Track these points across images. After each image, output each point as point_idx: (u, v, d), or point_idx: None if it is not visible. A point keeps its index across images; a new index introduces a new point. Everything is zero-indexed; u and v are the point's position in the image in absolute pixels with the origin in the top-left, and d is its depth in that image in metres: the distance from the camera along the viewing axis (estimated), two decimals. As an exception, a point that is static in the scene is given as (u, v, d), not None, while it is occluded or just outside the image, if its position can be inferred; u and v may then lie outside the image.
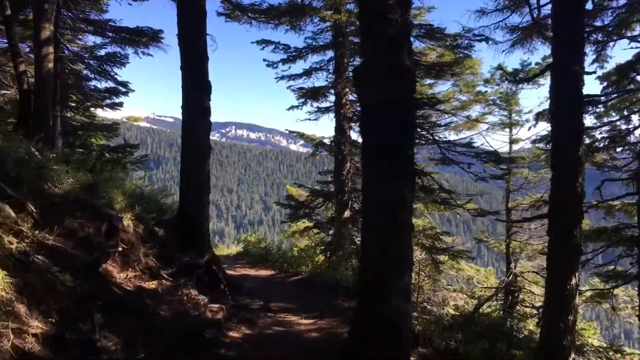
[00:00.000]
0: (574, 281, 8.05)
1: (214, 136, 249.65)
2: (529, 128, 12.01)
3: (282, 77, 14.95)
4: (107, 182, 8.06)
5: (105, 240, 7.06)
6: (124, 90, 13.70)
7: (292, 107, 15.38)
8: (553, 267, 8.41)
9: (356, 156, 14.48)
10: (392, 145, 5.24)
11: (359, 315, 5.81)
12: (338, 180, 14.53)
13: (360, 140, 15.21)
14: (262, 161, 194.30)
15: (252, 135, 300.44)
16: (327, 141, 15.40)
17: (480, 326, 9.10)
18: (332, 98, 14.91)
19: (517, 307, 14.28)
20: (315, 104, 15.30)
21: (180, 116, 9.49)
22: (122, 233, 7.72)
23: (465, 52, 11.64)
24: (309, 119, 15.47)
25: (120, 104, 13.97)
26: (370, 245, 5.47)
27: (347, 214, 14.42)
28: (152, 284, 7.41)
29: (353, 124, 14.49)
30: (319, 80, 15.20)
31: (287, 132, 16.93)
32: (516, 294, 13.99)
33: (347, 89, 14.28)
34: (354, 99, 14.83)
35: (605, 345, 12.45)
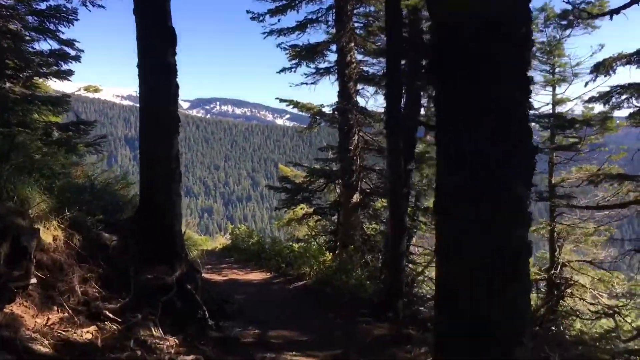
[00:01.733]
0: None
1: (199, 112, 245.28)
2: (586, 84, 9.34)
3: (271, 32, 12.14)
4: (18, 175, 5.36)
5: (8, 270, 4.47)
6: (72, 53, 10.70)
7: (283, 70, 12.62)
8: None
9: (366, 127, 11.82)
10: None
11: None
12: (344, 158, 11.85)
13: (370, 107, 12.54)
14: (248, 137, 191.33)
15: (238, 111, 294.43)
16: (327, 109, 12.63)
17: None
18: (333, 57, 12.18)
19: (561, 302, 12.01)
20: (312, 65, 12.53)
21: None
22: (41, 253, 5.10)
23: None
24: (306, 83, 12.67)
25: (69, 72, 11.02)
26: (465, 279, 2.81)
27: (355, 197, 11.84)
28: (87, 332, 4.78)
29: (361, 86, 11.79)
30: (317, 32, 12.49)
31: (277, 101, 14.08)
32: (562, 288, 11.66)
33: (353, 44, 11.52)
34: (362, 57, 12.08)
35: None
